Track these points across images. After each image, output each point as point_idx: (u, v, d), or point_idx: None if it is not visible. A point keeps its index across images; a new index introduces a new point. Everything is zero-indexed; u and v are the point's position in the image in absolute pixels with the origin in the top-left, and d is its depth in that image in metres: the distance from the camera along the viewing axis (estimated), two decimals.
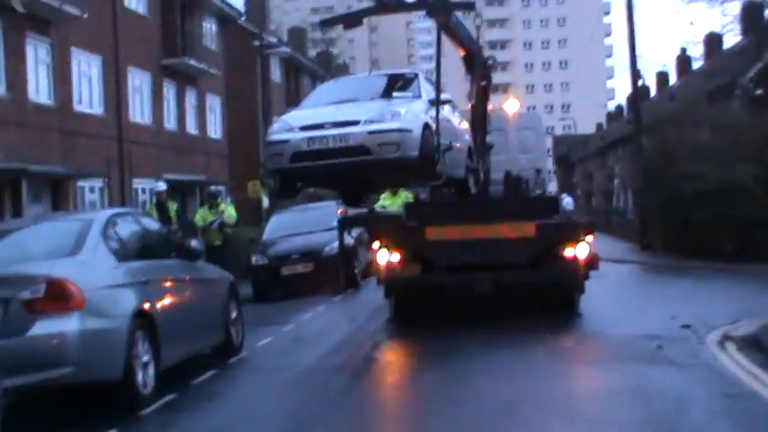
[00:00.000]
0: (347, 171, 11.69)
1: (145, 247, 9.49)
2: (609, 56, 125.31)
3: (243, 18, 40.78)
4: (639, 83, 63.06)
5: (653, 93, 60.76)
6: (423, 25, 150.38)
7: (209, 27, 36.23)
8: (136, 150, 28.48)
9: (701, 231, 23.87)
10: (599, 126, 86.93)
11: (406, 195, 19.09)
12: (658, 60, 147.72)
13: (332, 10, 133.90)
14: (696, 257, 23.71)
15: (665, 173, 26.20)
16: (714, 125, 26.98)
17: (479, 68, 16.75)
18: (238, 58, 39.32)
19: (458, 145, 13.56)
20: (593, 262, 12.33)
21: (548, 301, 13.47)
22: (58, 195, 24.04)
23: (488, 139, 16.96)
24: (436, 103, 11.95)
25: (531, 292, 13.39)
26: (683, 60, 51.80)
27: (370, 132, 11.18)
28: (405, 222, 13.57)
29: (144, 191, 29.23)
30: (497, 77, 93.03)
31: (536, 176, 18.37)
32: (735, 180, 24.02)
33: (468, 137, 14.70)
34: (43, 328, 7.48)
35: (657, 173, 26.81)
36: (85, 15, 24.55)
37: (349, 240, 18.88)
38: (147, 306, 8.51)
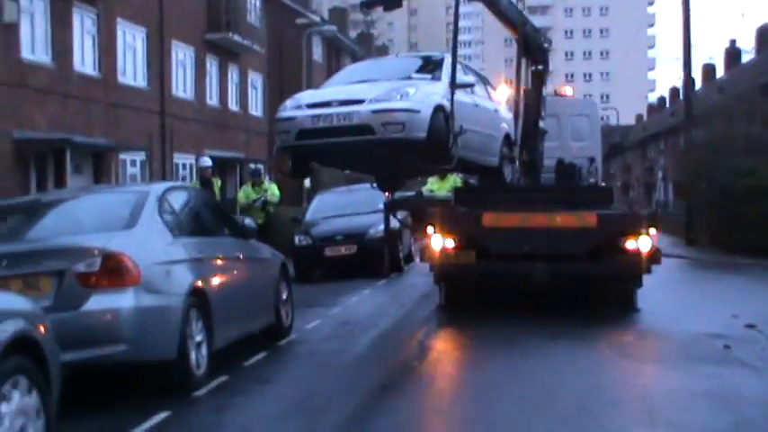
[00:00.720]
0: (354, 150, 11.63)
1: (199, 223, 9.18)
2: (651, 47, 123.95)
3: None
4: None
5: (698, 85, 59.93)
6: (463, 10, 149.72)
7: (253, 3, 35.88)
8: (177, 125, 28.27)
9: (753, 228, 23.34)
10: (639, 117, 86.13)
11: (454, 180, 18.69)
12: (704, 53, 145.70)
13: None
14: (745, 254, 23.18)
15: (716, 167, 25.67)
16: (766, 118, 26.40)
17: (534, 52, 16.34)
18: (281, 36, 39.03)
19: (487, 132, 13.29)
20: (655, 256, 11.87)
21: (605, 294, 13.06)
22: (100, 167, 23.86)
23: (542, 124, 16.51)
24: (452, 85, 11.55)
25: (589, 285, 12.97)
26: (732, 53, 51.01)
27: (374, 111, 11.03)
28: (459, 207, 13.18)
29: (185, 166, 29.02)
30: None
31: (589, 165, 17.81)
32: None
33: (505, 124, 14.33)
34: (98, 302, 7.15)
35: (708, 167, 26.27)
36: None
37: (394, 224, 18.55)
38: (201, 284, 8.17)
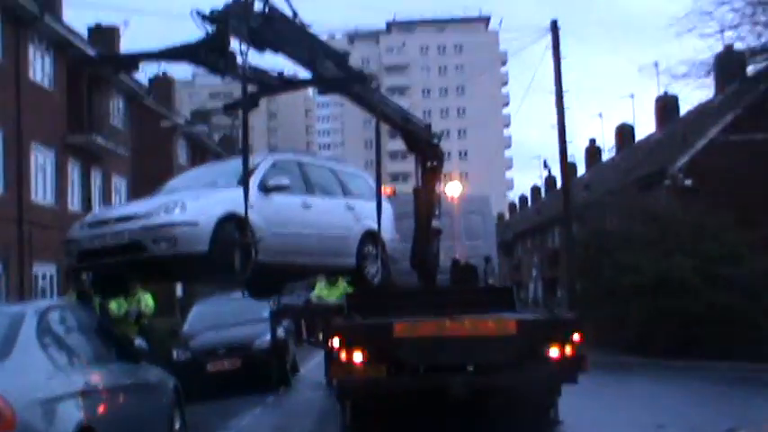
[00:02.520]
0: (141, 267, 10.92)
1: (84, 349, 7.77)
2: (508, 147, 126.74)
3: (150, 97, 39.18)
4: (545, 174, 63.86)
5: (560, 183, 61.04)
6: (323, 112, 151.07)
7: (117, 105, 34.50)
8: (37, 233, 26.32)
9: (639, 325, 23.05)
10: (500, 216, 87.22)
11: (344, 286, 17.63)
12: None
13: (230, 95, 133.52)
14: (633, 353, 22.84)
15: (600, 264, 25.42)
16: (646, 214, 26.41)
17: (422, 148, 15.67)
18: (145, 139, 37.57)
19: (329, 233, 12.75)
20: (581, 363, 10.98)
21: (524, 404, 12.11)
22: None
23: (436, 223, 15.73)
24: (244, 190, 10.63)
25: (509, 396, 11.99)
26: (593, 151, 52.05)
27: (143, 228, 10.42)
28: (357, 316, 12.08)
29: (45, 276, 27.00)
30: (392, 145, 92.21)
31: (485, 264, 17.06)
32: (673, 272, 23.30)
33: (370, 221, 13.42)
34: None
35: (591, 263, 26.02)
36: None
37: (280, 333, 17.35)
38: (89, 423, 6.79)
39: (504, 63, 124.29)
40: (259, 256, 11.01)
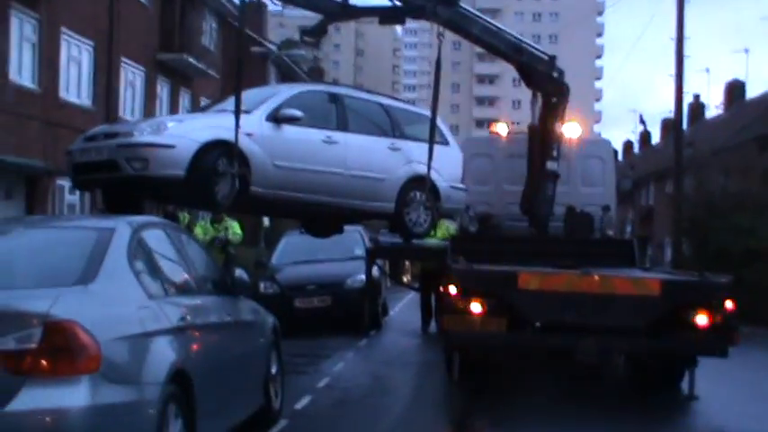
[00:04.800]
0: (121, 185, 10.63)
1: (179, 277, 6.59)
2: (598, 100, 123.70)
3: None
4: (641, 129, 61.56)
5: (655, 140, 58.75)
6: (409, 54, 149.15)
7: (210, 26, 33.44)
8: None
9: (753, 294, 21.44)
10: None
11: (447, 227, 16.40)
12: (660, 109, 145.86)
13: None
14: (744, 321, 21.28)
15: (710, 225, 23.80)
16: (765, 175, 24.65)
17: (539, 82, 14.35)
18: (236, 63, 36.58)
19: (361, 173, 11.84)
20: (732, 335, 9.59)
21: (655, 374, 10.78)
22: (34, 193, 21.04)
23: (554, 166, 14.40)
24: (236, 117, 10.19)
25: (641, 365, 10.70)
26: (696, 108, 49.68)
27: (119, 146, 10.16)
28: (459, 258, 10.84)
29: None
30: (482, 90, 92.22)
31: (603, 214, 15.62)
32: None
33: (416, 165, 12.30)
34: (33, 398, 4.63)
35: (701, 225, 24.40)
36: None
37: (375, 273, 16.23)
38: (184, 366, 5.67)
39: (600, 13, 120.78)
40: (257, 188, 10.72)
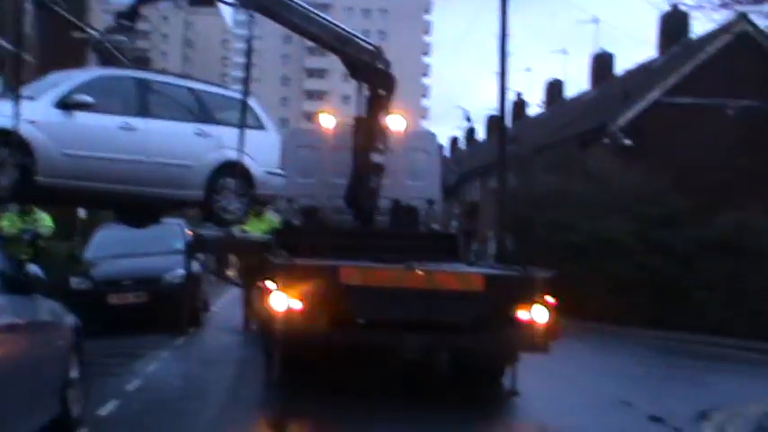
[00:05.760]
0: None
1: None
2: (425, 96, 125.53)
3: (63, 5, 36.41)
4: (466, 125, 62.70)
5: (481, 136, 59.80)
6: (238, 46, 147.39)
7: (26, 8, 31.71)
8: None
9: (572, 288, 21.87)
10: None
11: (271, 219, 15.94)
12: (484, 105, 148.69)
13: (146, 19, 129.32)
14: (565, 315, 21.68)
15: (533, 220, 24.20)
16: (584, 172, 25.23)
17: (365, 74, 14.07)
18: (54, 48, 34.89)
19: (165, 160, 11.36)
20: (554, 329, 9.53)
21: (477, 370, 10.65)
22: None
23: (380, 159, 14.14)
24: (15, 100, 9.78)
25: (464, 360, 10.54)
26: (519, 105, 50.81)
27: None
28: (282, 252, 10.45)
29: None
30: (312, 84, 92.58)
31: (428, 208, 15.43)
32: (610, 234, 22.23)
33: (228, 152, 11.85)
34: None
35: (524, 220, 24.78)
36: None
37: (196, 268, 15.60)
38: None
39: (427, 11, 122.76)
40: (43, 178, 10.17)
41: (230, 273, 22.80)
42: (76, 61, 32.90)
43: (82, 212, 25.04)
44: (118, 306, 15.34)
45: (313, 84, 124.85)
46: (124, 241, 16.55)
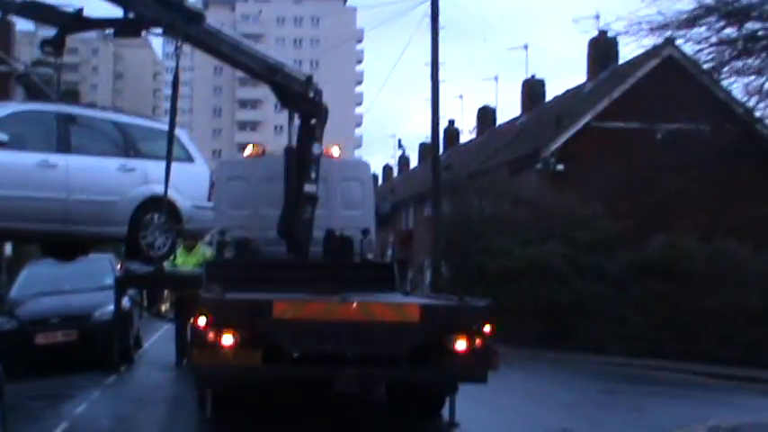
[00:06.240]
0: None
1: None
2: (359, 125, 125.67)
3: None
4: (399, 153, 62.79)
5: (414, 164, 59.91)
6: (169, 78, 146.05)
7: None
8: None
9: (508, 314, 21.91)
10: None
11: (203, 252, 15.68)
12: (417, 134, 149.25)
13: (75, 50, 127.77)
14: (500, 342, 21.66)
15: (468, 246, 24.23)
16: (517, 198, 25.36)
17: (295, 103, 13.95)
18: None
19: (86, 197, 11.04)
20: (491, 359, 9.41)
21: (416, 402, 10.50)
22: None
23: (312, 189, 13.98)
24: None
25: (401, 393, 10.38)
26: (451, 132, 51.06)
27: None
28: (213, 287, 10.21)
29: None
30: (244, 114, 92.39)
31: (363, 237, 15.29)
32: (544, 259, 22.32)
33: (154, 186, 11.60)
34: None
35: (459, 246, 24.80)
36: None
37: (125, 304, 15.26)
38: None
39: (359, 41, 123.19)
40: None
41: (163, 307, 22.39)
42: (1, 95, 32.30)
43: (8, 249, 24.50)
44: (46, 346, 14.89)
45: (245, 114, 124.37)
46: (52, 278, 16.16)
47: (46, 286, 16.20)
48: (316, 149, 14.04)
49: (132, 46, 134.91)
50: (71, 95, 59.22)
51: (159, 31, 12.37)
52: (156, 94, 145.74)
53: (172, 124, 11.71)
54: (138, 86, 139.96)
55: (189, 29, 12.20)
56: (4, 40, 39.79)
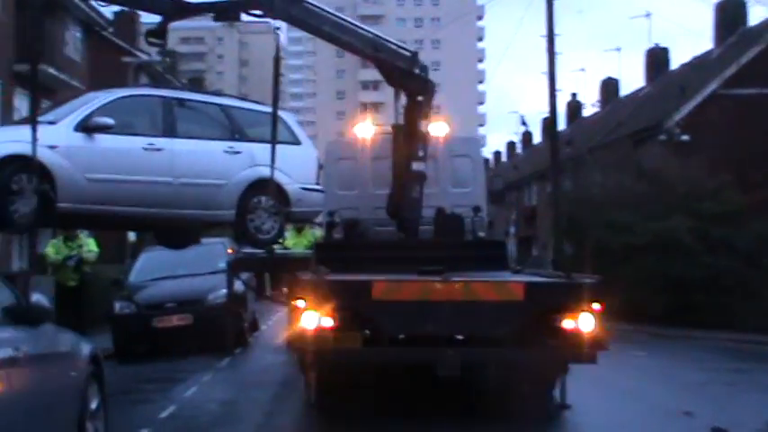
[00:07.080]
0: None
1: None
2: (481, 103, 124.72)
3: (110, 30, 36.63)
4: (522, 130, 61.91)
5: (537, 139, 59.02)
6: (294, 62, 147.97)
7: (73, 35, 31.95)
8: None
9: (631, 291, 21.22)
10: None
11: (312, 233, 15.60)
12: (538, 108, 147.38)
13: (202, 39, 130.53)
14: (621, 320, 21.04)
15: (589, 222, 23.54)
16: (640, 170, 24.52)
17: (400, 80, 13.63)
18: (103, 73, 35.08)
19: (192, 180, 11.01)
20: (600, 340, 8.97)
21: (525, 383, 10.15)
22: None
23: (421, 167, 13.67)
24: (32, 125, 9.45)
25: (508, 374, 10.06)
26: (574, 106, 50.06)
27: None
28: (323, 269, 10.04)
29: None
30: (367, 96, 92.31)
31: (474, 215, 14.93)
32: (669, 233, 21.49)
33: (261, 168, 11.46)
34: None
35: (580, 223, 24.13)
36: None
37: (239, 287, 15.30)
38: None
39: (480, 17, 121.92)
40: (65, 204, 9.93)
41: (275, 292, 22.45)
42: (125, 85, 33.07)
43: (131, 236, 25.04)
44: (162, 329, 15.13)
45: (367, 96, 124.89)
46: (167, 263, 16.38)
47: (162, 271, 16.44)
48: (423, 127, 13.76)
49: (256, 33, 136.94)
50: (196, 83, 60.57)
51: (259, 12, 12.27)
52: (281, 79, 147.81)
53: (275, 106, 11.61)
54: (264, 72, 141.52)
55: (291, 9, 12.08)
56: (130, 32, 40.87)
